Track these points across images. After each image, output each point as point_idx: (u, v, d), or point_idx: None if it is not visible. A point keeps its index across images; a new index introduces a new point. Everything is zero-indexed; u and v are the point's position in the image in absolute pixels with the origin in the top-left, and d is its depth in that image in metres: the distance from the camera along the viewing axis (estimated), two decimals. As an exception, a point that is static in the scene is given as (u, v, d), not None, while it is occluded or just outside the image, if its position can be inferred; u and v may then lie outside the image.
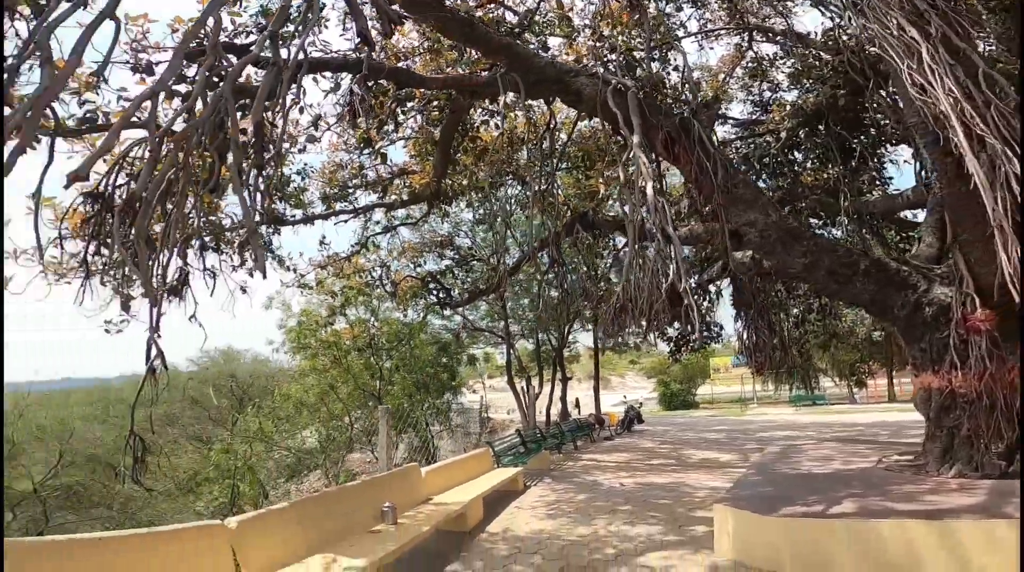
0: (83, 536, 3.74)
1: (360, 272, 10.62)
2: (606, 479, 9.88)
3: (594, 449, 14.19)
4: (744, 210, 5.92)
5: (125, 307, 4.92)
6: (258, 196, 3.42)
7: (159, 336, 3.57)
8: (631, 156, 5.19)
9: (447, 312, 14.95)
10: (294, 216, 8.14)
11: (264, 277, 2.90)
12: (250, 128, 3.28)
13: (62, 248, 4.51)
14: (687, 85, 7.74)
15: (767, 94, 10.78)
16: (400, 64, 7.73)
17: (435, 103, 8.41)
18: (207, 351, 22.20)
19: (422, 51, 8.00)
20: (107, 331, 5.31)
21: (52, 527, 12.06)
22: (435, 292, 10.90)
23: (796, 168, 10.28)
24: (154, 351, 3.47)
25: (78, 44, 2.37)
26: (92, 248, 3.20)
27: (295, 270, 9.01)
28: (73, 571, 3.19)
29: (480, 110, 8.95)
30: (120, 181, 3.21)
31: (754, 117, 10.98)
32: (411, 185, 9.46)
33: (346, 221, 9.47)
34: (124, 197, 3.00)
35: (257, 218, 3.84)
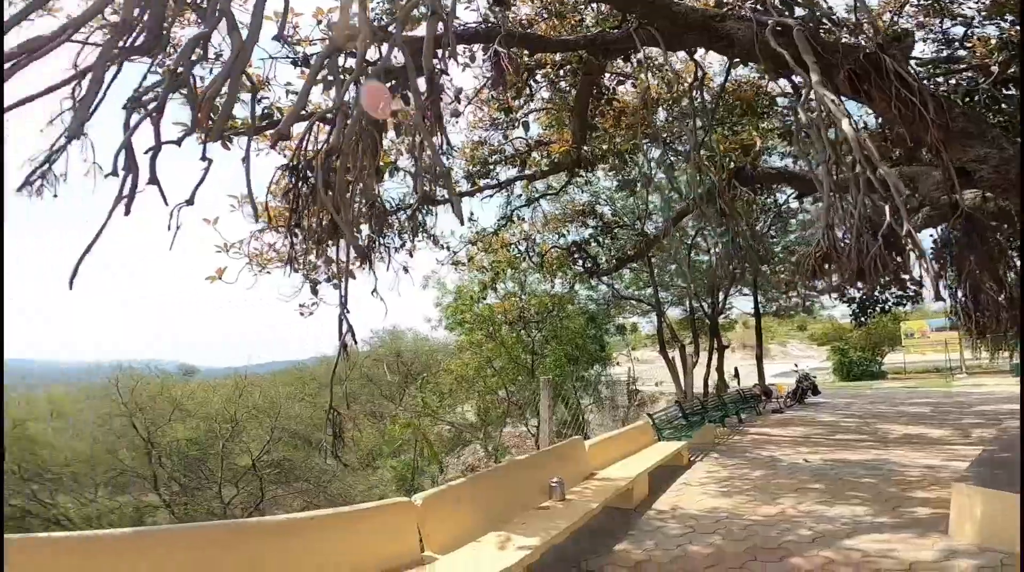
0: (295, 516, 4.08)
1: (507, 246, 10.70)
2: (784, 455, 8.98)
3: (762, 423, 13.06)
4: (968, 145, 4.74)
5: (314, 290, 5.44)
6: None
7: (348, 311, 3.67)
8: (809, 97, 4.40)
9: (593, 281, 14.67)
10: (442, 196, 8.42)
11: (461, 222, 2.92)
12: (404, 108, 3.31)
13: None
14: (865, 19, 6.41)
15: (957, 29, 8.85)
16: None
17: (567, 67, 8.06)
18: (376, 331, 24.54)
19: (545, 16, 7.66)
20: (301, 314, 5.89)
21: (266, 500, 14.24)
22: (581, 261, 10.68)
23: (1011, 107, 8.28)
24: (345, 327, 3.63)
25: (253, 22, 2.50)
26: (293, 220, 3.45)
27: (448, 247, 9.39)
28: (284, 548, 3.45)
29: (611, 74, 8.40)
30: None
31: (945, 54, 9.13)
32: (550, 155, 9.29)
33: (491, 196, 9.56)
34: (323, 150, 3.16)
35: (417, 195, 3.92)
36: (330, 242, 3.72)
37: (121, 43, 2.53)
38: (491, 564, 3.81)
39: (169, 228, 2.85)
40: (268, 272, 6.00)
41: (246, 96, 3.95)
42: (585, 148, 9.08)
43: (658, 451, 8.04)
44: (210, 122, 2.98)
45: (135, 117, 2.69)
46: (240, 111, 4.66)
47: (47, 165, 3.39)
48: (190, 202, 2.89)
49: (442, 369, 17.16)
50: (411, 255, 6.52)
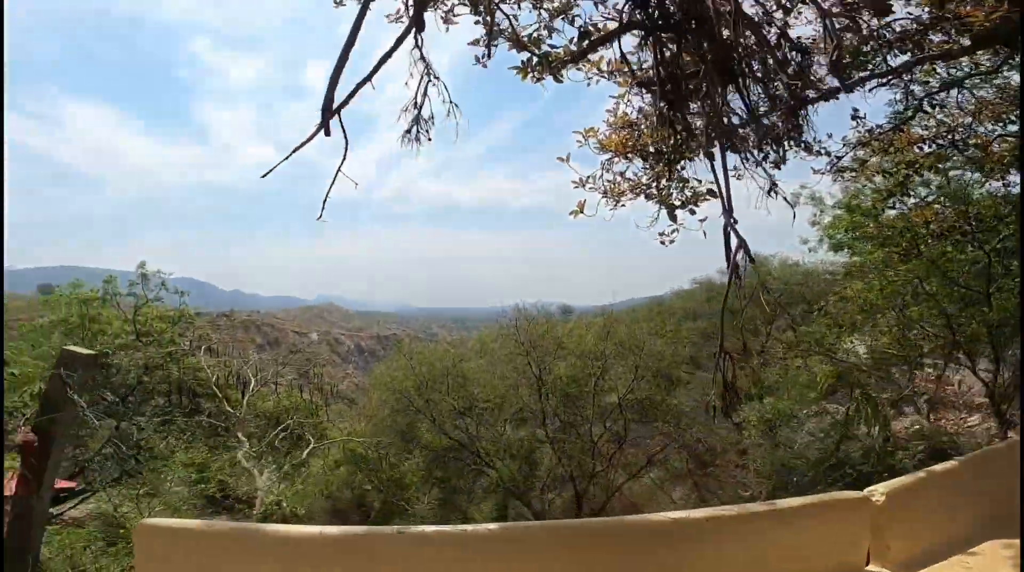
0: (708, 513, 3.27)
1: (916, 143, 7.53)
2: None
3: None
4: None
5: (672, 215, 4.84)
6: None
7: (735, 221, 2.94)
8: None
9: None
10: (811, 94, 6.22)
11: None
12: None
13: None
14: None
15: None
16: None
17: None
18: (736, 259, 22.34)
19: None
20: (661, 242, 5.44)
21: (629, 439, 14.58)
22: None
23: None
24: (734, 240, 2.80)
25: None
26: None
27: (828, 153, 7.02)
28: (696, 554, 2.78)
29: None
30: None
31: None
32: (965, 26, 5.65)
33: (880, 87, 6.69)
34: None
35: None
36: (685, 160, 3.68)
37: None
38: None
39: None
40: (623, 205, 5.77)
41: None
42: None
43: None
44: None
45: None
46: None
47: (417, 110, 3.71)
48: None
49: (832, 297, 13.90)
50: (778, 167, 5.07)
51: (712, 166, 3.42)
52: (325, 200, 3.89)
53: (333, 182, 3.74)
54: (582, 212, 5.12)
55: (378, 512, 16.61)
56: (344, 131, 3.66)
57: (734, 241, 2.94)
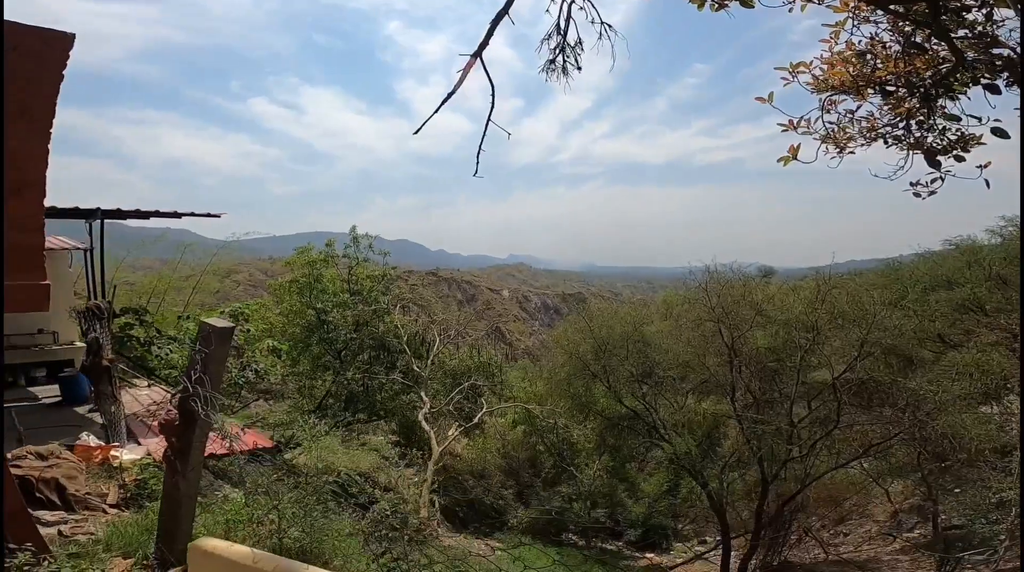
0: None
1: None
2: None
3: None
4: None
5: (932, 162, 3.74)
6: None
7: None
8: None
9: None
10: None
11: None
12: None
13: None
14: None
15: None
16: None
17: None
18: (1008, 217, 16.92)
19: None
20: (916, 195, 4.11)
21: (842, 424, 11.88)
22: None
23: None
24: None
25: None
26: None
27: None
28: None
29: None
30: None
31: None
32: None
33: None
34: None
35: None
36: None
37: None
38: None
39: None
40: (851, 151, 4.52)
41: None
42: None
43: None
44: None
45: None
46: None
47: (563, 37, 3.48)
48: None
49: None
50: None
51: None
52: (479, 153, 3.97)
53: (484, 133, 3.79)
54: (795, 158, 4.23)
55: (548, 473, 16.85)
56: (488, 75, 3.66)
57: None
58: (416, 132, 3.95)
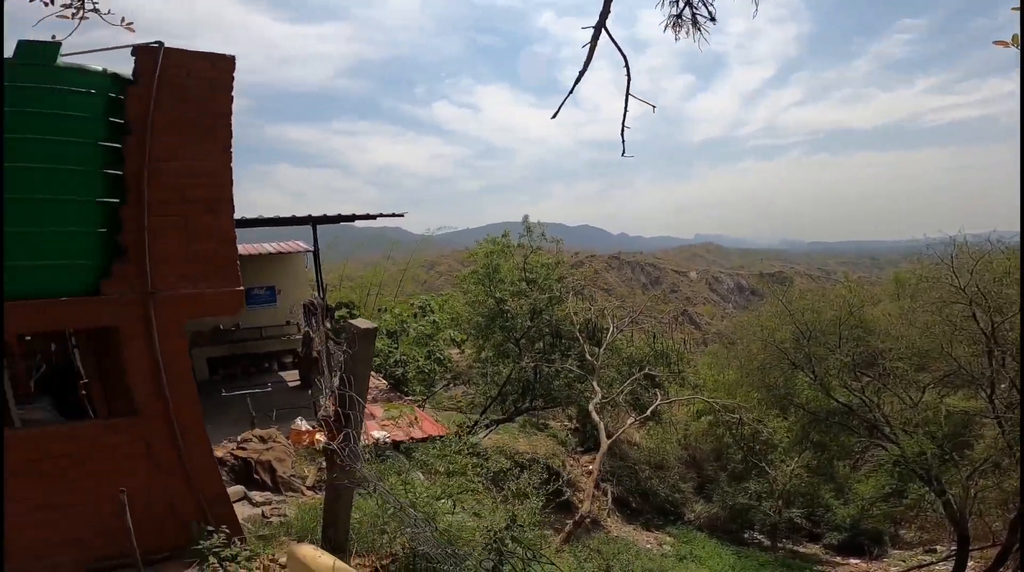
0: None
1: None
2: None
3: None
4: None
5: None
6: None
7: None
8: None
9: None
10: None
11: None
12: None
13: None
14: None
15: None
16: None
17: None
18: None
19: None
20: None
21: None
22: None
23: None
24: None
25: None
26: None
27: None
28: None
29: None
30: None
31: None
32: None
33: None
34: None
35: None
36: None
37: None
38: None
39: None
40: None
41: None
42: None
43: None
44: None
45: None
46: None
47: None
48: None
49: None
50: None
51: None
52: (623, 131, 3.72)
53: (626, 109, 3.55)
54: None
55: (736, 468, 15.31)
56: (617, 45, 3.37)
57: None
58: (554, 116, 3.82)
